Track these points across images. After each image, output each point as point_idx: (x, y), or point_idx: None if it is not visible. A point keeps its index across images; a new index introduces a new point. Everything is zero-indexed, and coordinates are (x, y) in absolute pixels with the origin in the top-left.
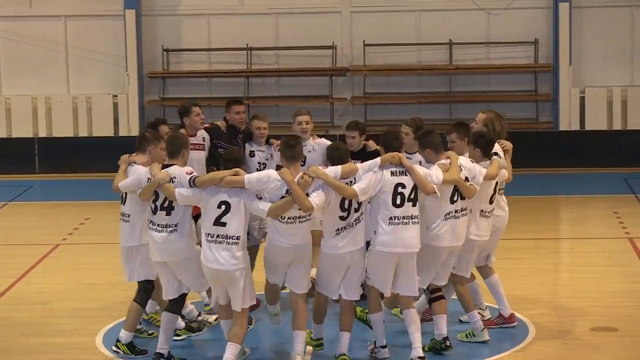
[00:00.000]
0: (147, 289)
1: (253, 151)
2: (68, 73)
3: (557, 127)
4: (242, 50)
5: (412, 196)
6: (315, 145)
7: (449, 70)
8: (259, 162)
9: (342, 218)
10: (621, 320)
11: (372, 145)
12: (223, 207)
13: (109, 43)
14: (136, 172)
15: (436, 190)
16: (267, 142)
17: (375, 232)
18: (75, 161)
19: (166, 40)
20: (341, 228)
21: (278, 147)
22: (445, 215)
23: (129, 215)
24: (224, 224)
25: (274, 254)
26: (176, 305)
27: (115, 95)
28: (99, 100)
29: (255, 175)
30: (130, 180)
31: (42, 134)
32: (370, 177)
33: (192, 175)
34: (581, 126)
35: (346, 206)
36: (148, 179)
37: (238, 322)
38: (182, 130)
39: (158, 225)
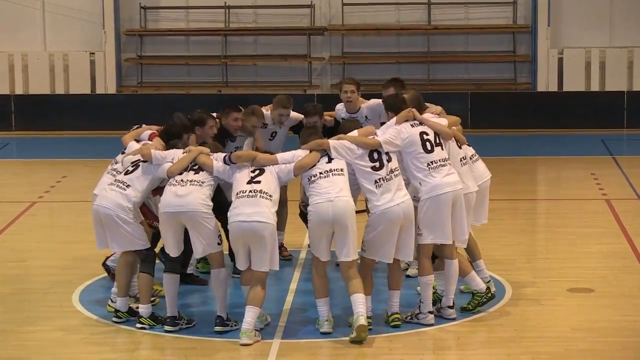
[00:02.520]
0: (149, 256)
1: (237, 147)
2: (45, 30)
3: (535, 88)
4: (220, 9)
5: (437, 140)
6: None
7: (427, 31)
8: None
9: (374, 168)
10: (597, 281)
11: (329, 120)
12: (257, 171)
13: (86, 0)
14: (167, 152)
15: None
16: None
17: (420, 183)
18: (52, 119)
19: None
20: (379, 179)
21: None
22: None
23: (129, 185)
24: (258, 182)
25: (313, 221)
26: (177, 264)
27: (92, 53)
28: (76, 57)
29: (286, 153)
30: (161, 156)
31: (19, 91)
32: (393, 130)
33: (226, 155)
34: (559, 87)
35: (375, 157)
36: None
37: (258, 285)
38: (192, 137)
39: (182, 180)
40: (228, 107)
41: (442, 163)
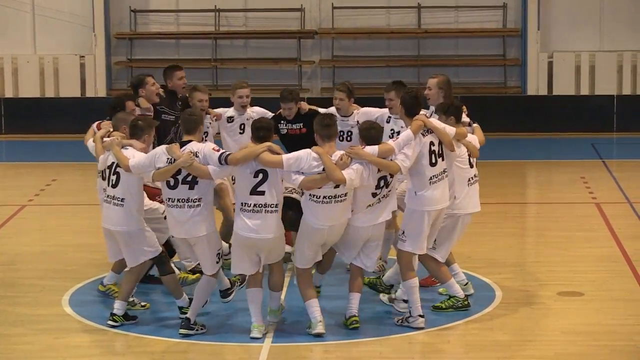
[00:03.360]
0: (162, 259)
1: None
2: (35, 33)
3: (525, 92)
4: (210, 12)
5: (440, 151)
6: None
7: (417, 34)
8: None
9: (374, 195)
10: (587, 285)
11: (304, 107)
12: (260, 175)
13: (76, 3)
14: (152, 155)
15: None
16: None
17: (415, 193)
18: (42, 122)
19: (133, 1)
20: (372, 204)
21: (215, 118)
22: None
23: (122, 199)
24: (262, 193)
25: (308, 235)
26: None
27: (82, 56)
28: (66, 60)
29: (292, 155)
30: (145, 161)
31: (9, 94)
32: (409, 150)
33: (221, 152)
34: (549, 91)
35: (381, 184)
36: (168, 159)
37: (277, 271)
38: (140, 101)
39: (178, 200)
40: (172, 67)
41: (441, 176)
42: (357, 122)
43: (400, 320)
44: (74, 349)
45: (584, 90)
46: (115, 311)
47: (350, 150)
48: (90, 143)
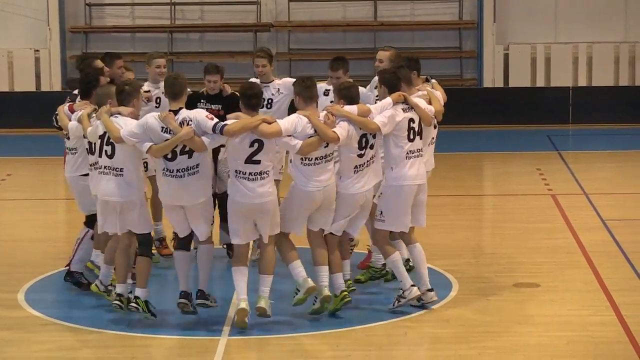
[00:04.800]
0: (148, 240)
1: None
2: None
3: (481, 84)
4: (166, 5)
5: (419, 130)
6: (280, 84)
7: (373, 27)
8: None
9: (359, 156)
10: (543, 276)
11: (227, 89)
12: (256, 145)
13: None
14: (144, 124)
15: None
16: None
17: (392, 168)
18: None
19: None
20: (359, 165)
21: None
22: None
23: (121, 169)
24: (257, 162)
25: (302, 201)
26: (186, 241)
27: (37, 50)
28: (21, 55)
29: (288, 122)
30: (136, 130)
31: None
32: (390, 113)
33: (217, 122)
34: (505, 83)
35: (363, 144)
36: (163, 128)
37: (268, 253)
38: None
39: (178, 171)
40: (109, 54)
41: (418, 154)
42: (278, 89)
43: (396, 302)
44: (29, 343)
45: (540, 82)
46: (120, 292)
47: (332, 108)
48: (72, 125)
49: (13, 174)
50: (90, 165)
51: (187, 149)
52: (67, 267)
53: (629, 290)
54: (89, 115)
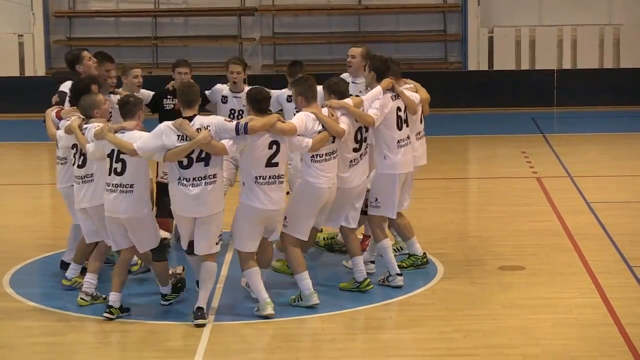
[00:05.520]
0: (162, 244)
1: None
2: None
3: (466, 67)
4: None
5: (405, 117)
6: None
7: (358, 10)
8: None
9: (355, 150)
10: (528, 259)
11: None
12: (274, 147)
13: None
14: (159, 133)
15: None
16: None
17: (385, 157)
18: None
19: None
20: (354, 160)
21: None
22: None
23: (131, 185)
24: (276, 164)
25: (313, 198)
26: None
27: (21, 35)
28: (4, 39)
29: (298, 120)
30: (152, 141)
31: None
32: (379, 104)
33: (238, 123)
34: (490, 66)
35: (359, 138)
36: (179, 136)
37: (269, 247)
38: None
39: (194, 179)
40: (102, 54)
41: (408, 141)
42: None
43: (382, 280)
44: (14, 329)
45: (525, 65)
46: (111, 303)
47: (332, 102)
48: (61, 134)
49: None
50: (76, 177)
51: (203, 155)
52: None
53: (613, 272)
54: (80, 127)
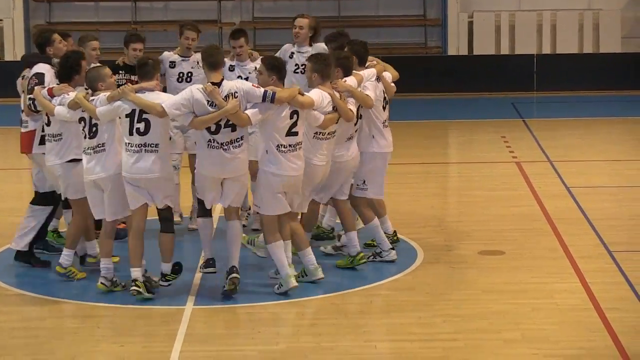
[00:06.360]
0: (170, 216)
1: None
2: None
3: (446, 52)
4: None
5: (387, 99)
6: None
7: None
8: None
9: (355, 124)
10: (507, 243)
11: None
12: (295, 116)
13: None
14: (189, 97)
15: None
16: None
17: (373, 136)
18: None
19: None
20: (351, 136)
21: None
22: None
23: (156, 144)
24: (296, 133)
25: (308, 176)
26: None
27: (1, 20)
28: None
29: (316, 96)
30: (182, 102)
31: None
32: (372, 85)
33: (266, 91)
34: (469, 51)
35: (358, 115)
36: (208, 102)
37: (299, 229)
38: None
39: (222, 144)
40: (84, 36)
41: (387, 123)
42: (255, 68)
43: (372, 256)
44: None
45: (504, 50)
46: (136, 277)
47: (339, 85)
48: (61, 110)
49: None
50: (88, 149)
51: (230, 122)
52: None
53: (593, 257)
54: (86, 99)
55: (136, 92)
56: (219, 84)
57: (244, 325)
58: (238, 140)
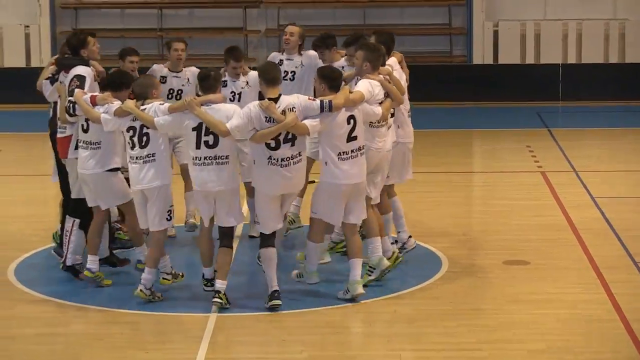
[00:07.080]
0: (231, 231)
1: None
2: None
3: (471, 61)
4: None
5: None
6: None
7: (363, 3)
8: None
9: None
10: (532, 254)
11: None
12: (352, 121)
13: None
14: (248, 114)
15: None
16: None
17: (398, 127)
18: None
19: None
20: (390, 124)
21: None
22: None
23: (226, 156)
24: (355, 138)
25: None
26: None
27: (27, 26)
28: (11, 30)
29: (364, 87)
30: (244, 121)
31: None
32: (400, 74)
33: (322, 101)
34: (494, 60)
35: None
36: (266, 117)
37: (357, 237)
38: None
39: (282, 160)
40: (125, 50)
41: (410, 113)
42: (247, 82)
43: (400, 249)
44: (20, 320)
45: (530, 59)
46: (218, 288)
47: (381, 69)
48: (107, 118)
49: (3, 150)
50: (136, 158)
51: (289, 136)
52: (63, 264)
53: (618, 268)
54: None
55: (203, 104)
56: (276, 99)
57: (269, 333)
58: (297, 156)
